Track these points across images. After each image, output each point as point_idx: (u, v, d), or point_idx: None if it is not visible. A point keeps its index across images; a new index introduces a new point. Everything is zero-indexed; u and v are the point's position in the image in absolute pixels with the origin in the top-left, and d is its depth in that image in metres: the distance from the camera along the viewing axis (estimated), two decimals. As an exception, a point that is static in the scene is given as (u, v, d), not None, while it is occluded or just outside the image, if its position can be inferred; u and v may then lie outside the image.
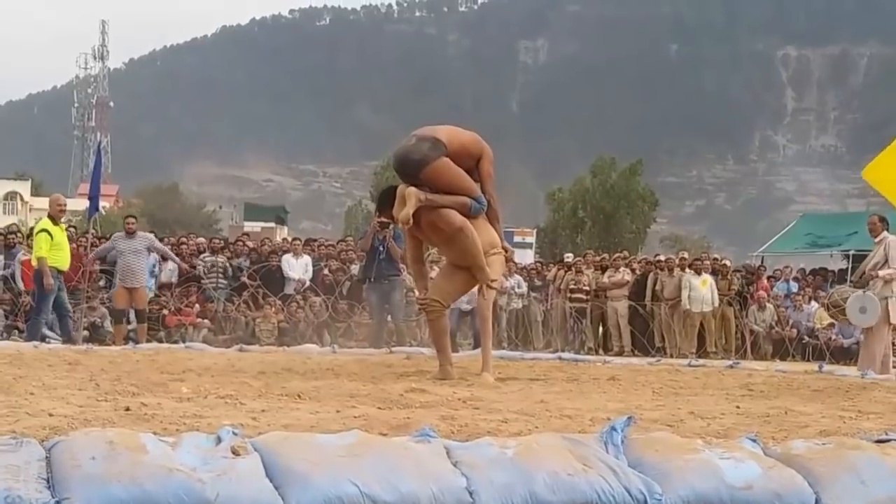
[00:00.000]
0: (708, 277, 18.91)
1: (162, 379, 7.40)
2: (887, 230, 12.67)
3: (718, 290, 18.99)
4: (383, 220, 13.08)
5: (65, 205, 14.57)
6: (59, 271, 13.78)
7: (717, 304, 18.82)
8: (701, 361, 13.14)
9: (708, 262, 19.82)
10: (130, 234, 15.04)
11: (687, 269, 19.25)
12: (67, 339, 13.49)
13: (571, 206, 53.61)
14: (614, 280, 19.54)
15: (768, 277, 21.14)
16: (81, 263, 16.70)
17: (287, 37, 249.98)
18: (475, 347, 9.47)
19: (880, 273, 12.26)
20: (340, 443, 3.56)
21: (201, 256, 18.27)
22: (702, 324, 18.90)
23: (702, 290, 18.71)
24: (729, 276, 19.60)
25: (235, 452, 3.37)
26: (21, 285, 16.64)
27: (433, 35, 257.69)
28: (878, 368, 11.68)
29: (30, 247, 16.86)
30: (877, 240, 12.64)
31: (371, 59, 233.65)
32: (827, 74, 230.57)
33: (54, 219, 14.02)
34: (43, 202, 71.55)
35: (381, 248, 13.93)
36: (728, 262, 20.99)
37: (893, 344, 13.12)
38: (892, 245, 12.35)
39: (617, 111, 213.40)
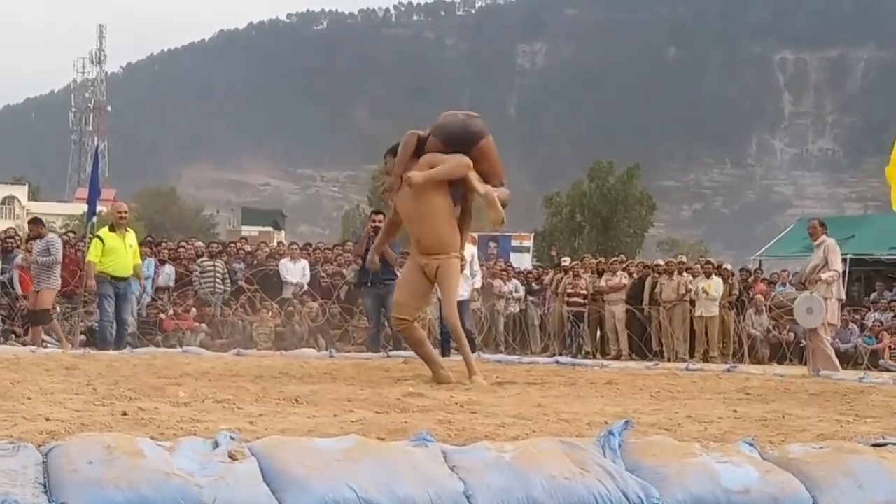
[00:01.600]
0: (714, 281, 18.91)
1: (159, 383, 7.39)
2: (826, 234, 13.11)
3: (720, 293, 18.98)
4: (377, 225, 13.13)
5: (125, 212, 14.58)
6: (115, 277, 13.84)
7: (716, 309, 18.82)
8: (698, 365, 13.15)
9: (711, 265, 19.82)
10: (37, 237, 15.04)
11: (686, 273, 19.25)
12: (115, 347, 13.43)
13: (569, 210, 53.63)
14: (611, 284, 19.54)
15: (766, 281, 21.14)
16: (79, 268, 16.69)
17: (284, 41, 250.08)
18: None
19: (822, 276, 12.72)
20: (338, 447, 3.56)
21: (199, 261, 18.26)
22: (701, 327, 18.91)
23: (710, 294, 18.75)
24: (730, 280, 19.60)
25: (233, 457, 3.37)
26: (19, 290, 16.63)
27: (431, 39, 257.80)
28: (828, 364, 12.29)
29: (28, 251, 16.91)
30: (816, 243, 13.11)
31: (368, 64, 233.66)
32: (824, 78, 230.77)
33: (114, 226, 14.10)
34: (40, 207, 71.62)
35: None
36: (729, 266, 20.99)
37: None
38: (831, 248, 12.87)
39: (615, 115, 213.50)
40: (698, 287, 18.86)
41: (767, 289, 20.47)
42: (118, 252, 13.76)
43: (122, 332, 14.04)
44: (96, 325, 16.44)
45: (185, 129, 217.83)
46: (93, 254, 13.92)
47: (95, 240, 14.07)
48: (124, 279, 13.96)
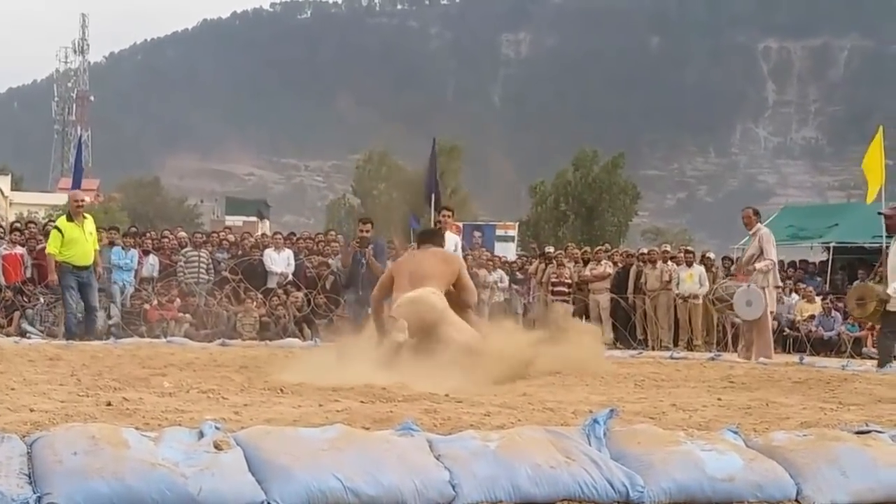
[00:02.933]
0: (695, 270, 18.92)
1: (144, 374, 7.39)
2: (760, 222, 13.33)
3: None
4: (364, 235, 13.14)
5: (81, 201, 14.44)
6: (76, 267, 13.70)
7: (700, 298, 18.80)
8: (682, 354, 13.19)
9: (692, 255, 19.82)
10: None
11: (670, 262, 19.27)
12: (88, 334, 13.35)
13: (553, 199, 53.63)
14: (596, 273, 19.54)
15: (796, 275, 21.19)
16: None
17: (268, 30, 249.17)
18: None
19: (757, 266, 12.92)
20: (323, 437, 3.55)
21: (183, 251, 18.21)
22: (684, 315, 18.93)
23: (689, 283, 18.72)
24: (714, 269, 19.61)
25: (218, 447, 3.37)
26: (2, 280, 16.57)
27: (415, 28, 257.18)
28: (767, 352, 12.64)
29: (11, 241, 16.84)
30: (751, 232, 13.28)
31: (353, 53, 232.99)
32: (808, 67, 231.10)
33: (72, 215, 13.96)
34: (23, 197, 71.27)
35: (362, 263, 13.87)
36: (712, 255, 21.01)
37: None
38: (766, 237, 13.05)
39: (599, 104, 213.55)
40: (679, 277, 18.87)
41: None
42: (78, 241, 13.65)
43: (92, 319, 13.89)
44: (79, 315, 16.42)
45: (169, 118, 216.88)
46: (52, 245, 13.74)
47: (55, 231, 13.90)
48: (86, 268, 13.81)
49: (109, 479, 3.09)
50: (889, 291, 11.36)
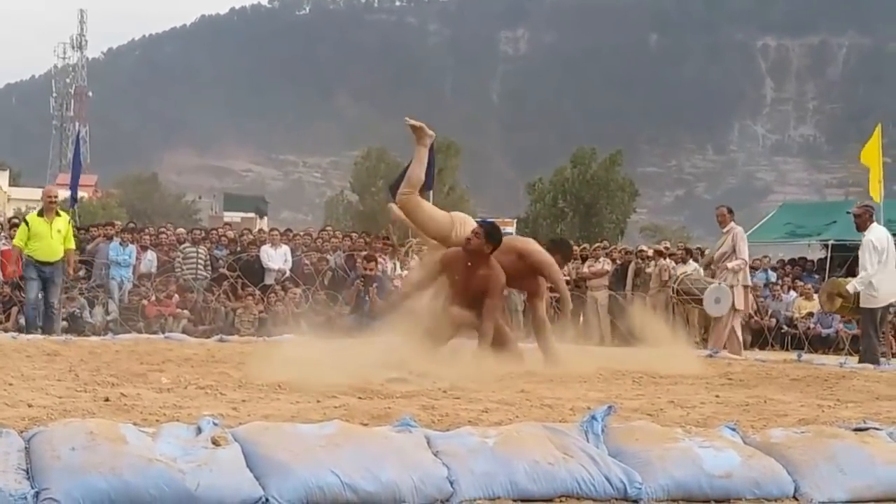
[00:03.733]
0: (690, 266, 18.88)
1: (142, 369, 7.38)
2: (734, 221, 13.60)
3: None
4: (367, 274, 13.08)
5: (53, 197, 14.48)
6: (39, 262, 13.72)
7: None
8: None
9: (688, 251, 19.79)
10: None
11: (668, 259, 19.25)
12: (44, 331, 13.38)
13: (552, 197, 53.63)
14: (594, 270, 19.53)
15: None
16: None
17: (267, 26, 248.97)
18: None
19: (729, 265, 13.27)
20: (321, 433, 3.56)
21: (181, 247, 18.21)
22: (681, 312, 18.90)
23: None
24: (711, 266, 19.58)
25: (216, 443, 3.37)
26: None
27: (413, 25, 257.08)
28: (733, 346, 12.97)
29: (10, 237, 16.83)
30: (724, 230, 13.58)
31: (351, 49, 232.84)
32: (806, 65, 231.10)
33: (44, 210, 14.02)
34: (21, 192, 71.21)
35: (366, 299, 13.84)
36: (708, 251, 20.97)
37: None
38: (739, 236, 13.38)
39: (597, 101, 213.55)
40: (676, 274, 18.84)
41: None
42: (43, 237, 13.71)
43: (50, 316, 13.90)
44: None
45: (167, 114, 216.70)
46: (18, 238, 13.99)
47: (22, 224, 14.27)
48: (50, 264, 13.80)
49: (107, 474, 3.09)
50: (849, 287, 11.76)
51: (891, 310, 13.32)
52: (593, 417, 3.88)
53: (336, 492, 3.29)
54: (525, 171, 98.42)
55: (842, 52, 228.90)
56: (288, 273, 18.06)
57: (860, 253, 11.96)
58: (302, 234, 20.49)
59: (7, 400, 5.18)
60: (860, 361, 11.36)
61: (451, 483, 3.44)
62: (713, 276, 13.99)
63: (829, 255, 22.40)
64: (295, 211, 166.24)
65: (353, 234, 21.14)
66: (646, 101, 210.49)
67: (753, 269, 21.21)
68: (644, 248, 21.10)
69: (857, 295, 11.79)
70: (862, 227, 12.13)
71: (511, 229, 32.13)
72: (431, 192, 21.07)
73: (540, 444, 3.66)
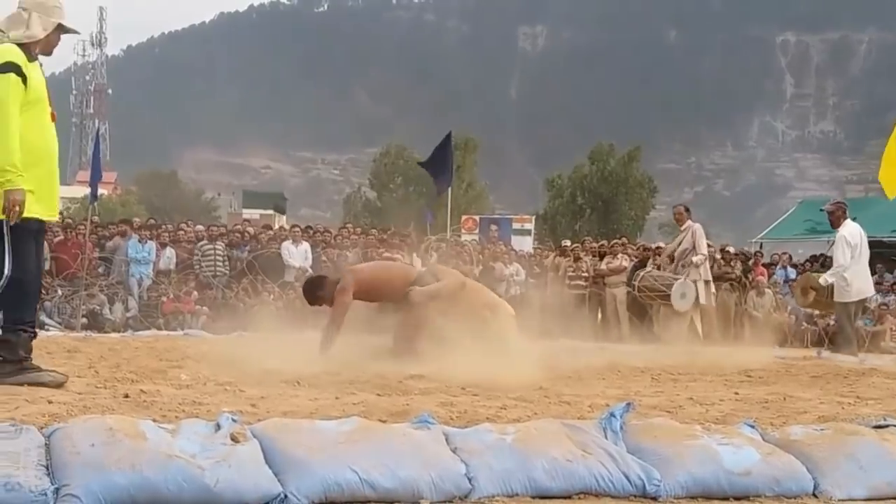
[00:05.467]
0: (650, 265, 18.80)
1: (161, 366, 7.40)
2: (691, 219, 14.16)
3: (722, 275, 18.85)
4: None
5: None
6: None
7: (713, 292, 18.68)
8: (699, 348, 13.15)
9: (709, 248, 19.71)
10: None
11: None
12: None
13: (570, 193, 53.62)
14: (612, 267, 19.48)
15: (766, 264, 21.10)
16: (80, 251, 16.72)
17: (285, 23, 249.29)
18: None
19: (693, 259, 13.80)
20: (340, 429, 3.56)
21: (199, 244, 18.25)
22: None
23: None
24: (732, 263, 19.53)
25: (235, 439, 3.38)
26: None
27: (432, 22, 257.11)
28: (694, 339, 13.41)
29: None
30: (682, 228, 14.18)
31: (369, 46, 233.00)
32: (826, 60, 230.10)
33: None
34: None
35: None
36: (731, 249, 20.91)
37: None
38: (698, 233, 13.90)
39: (615, 97, 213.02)
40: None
41: (766, 271, 20.44)
42: None
43: None
44: (97, 307, 16.47)
45: (186, 112, 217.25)
46: None
47: None
48: None
49: (127, 470, 3.10)
50: (821, 281, 12.24)
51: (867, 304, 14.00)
52: (612, 414, 3.88)
53: (354, 488, 3.30)
54: (544, 168, 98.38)
55: (862, 47, 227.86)
56: (309, 271, 18.06)
57: (834, 248, 12.67)
58: (322, 230, 20.49)
59: (27, 396, 5.20)
60: (836, 351, 11.89)
61: (470, 480, 3.44)
62: (673, 273, 14.45)
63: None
64: (313, 208, 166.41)
65: (373, 231, 21.14)
66: (665, 97, 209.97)
67: (773, 265, 21.18)
68: (662, 244, 21.04)
69: (830, 289, 12.25)
70: (836, 223, 12.59)
71: (530, 226, 32.12)
72: (450, 189, 21.10)
73: (558, 441, 3.66)
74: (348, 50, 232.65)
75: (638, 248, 20.99)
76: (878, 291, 20.43)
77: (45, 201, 5.97)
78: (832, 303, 12.54)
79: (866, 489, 3.70)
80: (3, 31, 5.94)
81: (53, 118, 6.16)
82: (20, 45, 5.86)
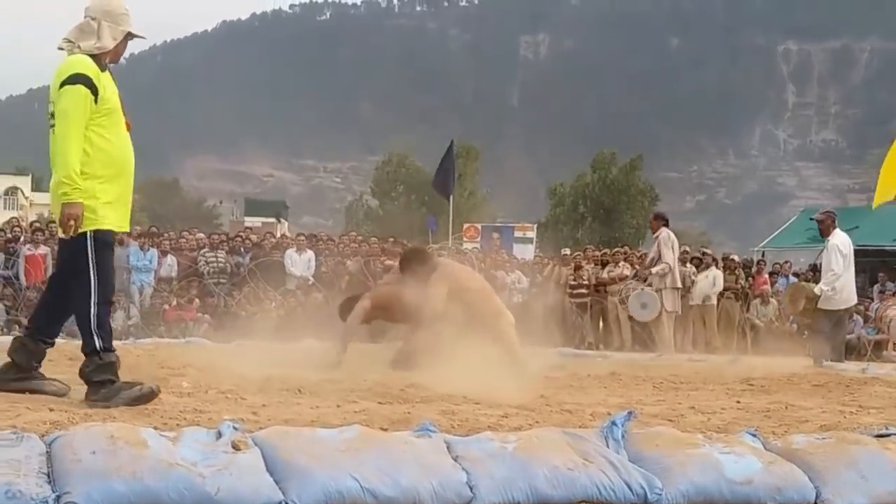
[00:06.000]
0: (710, 273, 18.78)
1: (162, 374, 7.39)
2: (665, 226, 14.38)
3: (725, 283, 18.83)
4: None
5: None
6: None
7: (714, 299, 18.68)
8: (701, 357, 13.16)
9: (709, 257, 19.70)
10: None
11: (688, 264, 19.17)
12: None
13: (572, 201, 53.63)
14: (614, 275, 19.46)
15: (769, 273, 21.08)
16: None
17: (288, 31, 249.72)
18: None
19: (653, 270, 14.20)
20: (341, 437, 3.56)
21: (202, 252, 18.24)
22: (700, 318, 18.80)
23: (701, 285, 18.59)
24: (736, 271, 19.51)
25: (236, 447, 3.38)
26: (24, 281, 16.64)
27: (433, 30, 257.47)
28: (671, 349, 13.74)
29: (35, 242, 16.88)
30: (654, 236, 14.47)
31: (371, 54, 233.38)
32: (828, 69, 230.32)
33: None
34: (44, 197, 71.37)
35: None
36: (736, 257, 20.89)
37: None
38: (663, 242, 14.14)
39: (617, 106, 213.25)
40: (695, 279, 18.77)
41: (769, 280, 20.41)
42: None
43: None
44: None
45: (189, 120, 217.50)
46: None
47: None
48: None
49: (128, 478, 3.10)
50: (815, 290, 12.15)
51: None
52: (613, 423, 3.87)
53: (356, 496, 3.30)
54: (545, 176, 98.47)
55: (864, 56, 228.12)
56: (311, 280, 18.04)
57: (825, 256, 12.59)
58: (326, 238, 20.47)
59: (28, 404, 5.20)
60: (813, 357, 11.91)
61: (471, 488, 3.44)
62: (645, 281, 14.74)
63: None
64: (315, 216, 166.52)
65: (373, 239, 21.14)
66: (666, 105, 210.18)
67: (775, 274, 21.17)
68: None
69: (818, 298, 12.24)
70: (825, 232, 12.56)
71: (532, 234, 32.11)
72: (452, 198, 21.13)
73: (560, 450, 3.66)
74: (350, 58, 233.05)
75: (640, 257, 20.99)
76: (880, 300, 20.44)
77: (121, 212, 5.91)
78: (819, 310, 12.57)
79: (868, 498, 3.69)
80: (72, 42, 5.83)
81: (129, 127, 6.06)
82: (91, 55, 5.77)
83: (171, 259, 17.99)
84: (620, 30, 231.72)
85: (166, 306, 17.29)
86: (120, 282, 17.44)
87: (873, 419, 5.78)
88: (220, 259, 18.04)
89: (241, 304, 17.65)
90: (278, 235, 23.43)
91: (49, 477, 3.14)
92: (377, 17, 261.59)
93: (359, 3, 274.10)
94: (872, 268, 21.41)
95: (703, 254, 20.00)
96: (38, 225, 19.07)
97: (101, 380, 5.59)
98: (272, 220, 60.27)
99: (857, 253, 22.15)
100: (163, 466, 3.17)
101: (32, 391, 5.67)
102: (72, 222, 5.59)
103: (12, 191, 71.89)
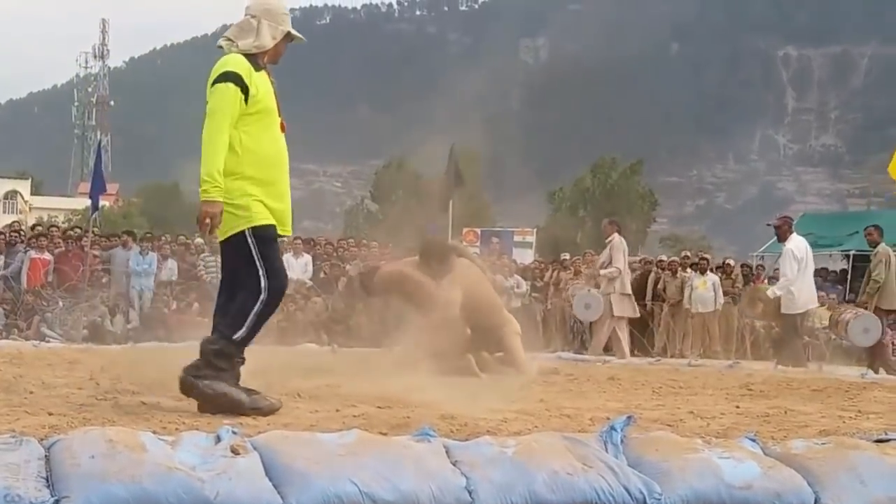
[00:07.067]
0: (709, 278, 18.80)
1: (162, 378, 7.39)
2: (618, 232, 14.73)
3: (723, 289, 18.86)
4: None
5: None
6: None
7: (719, 306, 18.70)
8: (700, 361, 13.18)
9: (706, 262, 19.70)
10: None
11: (689, 269, 19.18)
12: None
13: (572, 206, 53.70)
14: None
15: (769, 278, 21.07)
16: (82, 263, 16.73)
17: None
18: None
19: (601, 272, 14.55)
20: (340, 442, 3.56)
21: (201, 256, 18.25)
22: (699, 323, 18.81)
23: (701, 291, 18.61)
24: (733, 276, 19.52)
25: (235, 451, 3.38)
26: (24, 284, 16.65)
27: (433, 34, 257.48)
28: (620, 350, 14.03)
29: (39, 247, 16.88)
30: (606, 241, 14.76)
31: (371, 58, 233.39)
32: (827, 74, 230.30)
33: None
34: (43, 201, 71.50)
35: None
36: (732, 262, 20.89)
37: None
38: (615, 247, 14.45)
39: (617, 110, 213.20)
40: (693, 284, 18.79)
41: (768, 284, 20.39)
42: None
43: None
44: (98, 319, 16.47)
45: (188, 123, 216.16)
46: None
47: None
48: None
49: (127, 482, 3.10)
50: (769, 293, 12.69)
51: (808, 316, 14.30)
52: (612, 428, 3.87)
53: (355, 501, 3.30)
54: (545, 180, 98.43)
55: (864, 61, 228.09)
56: (310, 283, 18.03)
57: (780, 261, 12.97)
58: (324, 242, 20.45)
59: (28, 408, 5.20)
60: (782, 363, 12.21)
61: (470, 493, 3.44)
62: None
63: (850, 265, 22.26)
64: (315, 220, 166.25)
65: (373, 243, 21.11)
66: (666, 110, 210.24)
67: (774, 279, 21.16)
68: (664, 258, 21.05)
69: (777, 301, 12.63)
70: (782, 237, 13.00)
71: (531, 238, 32.13)
72: (452, 202, 21.09)
73: (559, 455, 3.65)
74: (350, 62, 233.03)
75: (640, 262, 20.99)
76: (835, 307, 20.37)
77: (280, 213, 5.78)
78: (779, 314, 12.95)
79: (867, 503, 3.69)
80: (231, 40, 5.80)
81: (283, 128, 5.98)
82: (248, 54, 5.71)
83: (171, 263, 18.01)
84: (620, 34, 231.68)
85: (166, 310, 17.29)
86: (120, 285, 17.49)
87: (873, 424, 5.78)
88: (219, 263, 18.03)
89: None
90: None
91: (48, 481, 3.14)
92: (377, 21, 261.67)
93: (358, 7, 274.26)
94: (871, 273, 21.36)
95: (702, 259, 20.03)
96: (40, 230, 19.10)
97: (215, 364, 5.52)
98: (272, 223, 60.22)
99: (857, 258, 22.28)
100: (161, 470, 3.17)
101: (251, 408, 5.51)
102: (208, 220, 5.50)
103: (12, 194, 71.94)
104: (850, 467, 3.80)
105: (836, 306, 18.57)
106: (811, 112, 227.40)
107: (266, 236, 5.62)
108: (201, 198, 5.55)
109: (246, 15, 5.86)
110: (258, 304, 5.52)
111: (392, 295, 9.61)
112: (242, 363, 5.76)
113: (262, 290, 5.53)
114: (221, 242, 5.77)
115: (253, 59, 5.74)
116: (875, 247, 13.63)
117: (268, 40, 5.81)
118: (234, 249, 5.60)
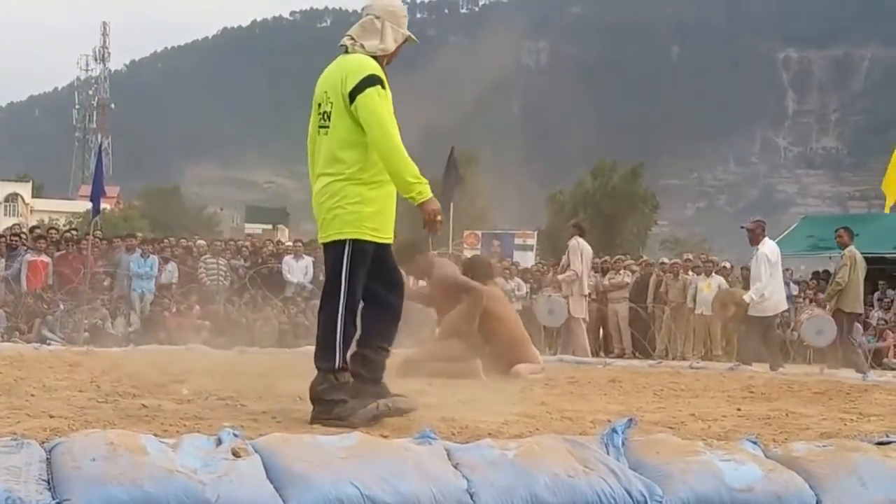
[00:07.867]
0: (714, 280, 18.81)
1: (162, 380, 7.39)
2: (581, 235, 14.79)
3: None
4: None
5: None
6: None
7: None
8: (702, 364, 13.16)
9: (710, 264, 19.71)
10: None
11: (691, 272, 19.20)
12: None
13: (573, 209, 53.68)
14: (614, 282, 19.50)
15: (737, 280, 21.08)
16: (83, 266, 16.73)
17: (288, 38, 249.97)
18: None
19: (559, 277, 14.96)
20: (341, 444, 3.56)
21: (202, 258, 18.26)
22: (702, 325, 18.83)
23: (707, 293, 18.61)
24: (729, 279, 19.53)
25: (236, 454, 3.37)
26: (24, 287, 16.65)
27: (434, 37, 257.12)
28: (582, 353, 14.04)
29: (37, 249, 16.87)
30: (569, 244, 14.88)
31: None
32: (828, 77, 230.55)
33: None
34: (44, 204, 71.51)
35: None
36: (727, 265, 20.90)
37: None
38: (573, 250, 14.60)
39: (618, 113, 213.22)
40: (697, 286, 18.80)
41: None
42: None
43: None
44: (99, 322, 16.48)
45: (189, 126, 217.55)
46: None
47: None
48: None
49: (128, 485, 3.10)
50: (745, 298, 12.67)
51: (777, 320, 14.41)
52: (614, 430, 3.87)
53: (355, 503, 3.29)
54: (546, 183, 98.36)
55: (864, 63, 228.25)
56: (310, 286, 18.02)
57: (753, 265, 12.95)
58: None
59: (29, 411, 5.20)
60: (743, 362, 12.14)
61: (471, 495, 3.44)
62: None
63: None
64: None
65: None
66: (667, 113, 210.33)
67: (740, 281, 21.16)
68: (665, 260, 21.06)
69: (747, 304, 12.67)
70: (755, 241, 12.98)
71: (532, 241, 32.13)
72: (452, 205, 21.09)
73: (560, 457, 3.65)
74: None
75: (640, 264, 21.01)
76: (879, 308, 20.42)
77: (386, 221, 5.59)
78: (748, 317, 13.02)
79: (869, 506, 3.69)
80: (354, 40, 5.66)
81: None
82: (373, 56, 5.55)
83: (171, 266, 18.02)
84: (621, 37, 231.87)
85: (167, 313, 17.30)
86: (121, 288, 17.50)
87: (874, 427, 5.77)
88: (221, 266, 18.05)
89: (242, 311, 17.65)
90: (275, 241, 23.44)
91: (49, 484, 3.14)
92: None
93: (359, 10, 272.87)
94: (872, 276, 21.37)
95: (706, 262, 20.04)
96: (39, 232, 19.10)
97: (335, 399, 5.32)
98: (271, 226, 60.29)
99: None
100: (162, 473, 3.16)
101: (392, 409, 5.44)
102: (438, 217, 5.41)
103: (13, 197, 71.98)
104: (851, 470, 3.79)
105: (804, 307, 18.69)
106: (812, 114, 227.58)
107: (362, 251, 5.42)
108: (417, 200, 5.38)
109: (368, 14, 5.73)
110: (339, 323, 5.32)
111: (442, 292, 9.46)
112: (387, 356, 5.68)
113: (341, 305, 5.33)
114: (325, 244, 5.57)
115: (378, 60, 5.60)
116: (844, 248, 13.67)
117: (390, 43, 5.69)
118: (333, 254, 5.43)
